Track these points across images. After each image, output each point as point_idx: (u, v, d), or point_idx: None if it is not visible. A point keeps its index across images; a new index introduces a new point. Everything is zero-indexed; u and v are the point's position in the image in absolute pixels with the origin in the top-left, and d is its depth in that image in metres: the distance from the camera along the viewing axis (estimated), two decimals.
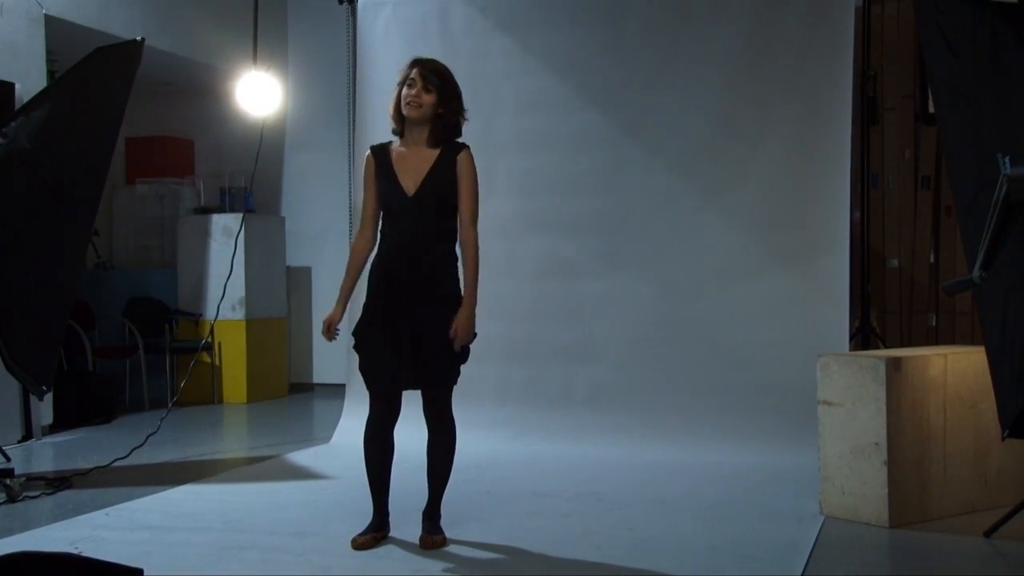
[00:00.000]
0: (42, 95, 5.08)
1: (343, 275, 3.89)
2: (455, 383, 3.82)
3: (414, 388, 3.79)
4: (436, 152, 3.78)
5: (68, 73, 5.11)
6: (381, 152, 3.85)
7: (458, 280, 3.82)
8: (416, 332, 3.69)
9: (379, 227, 3.84)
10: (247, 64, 7.05)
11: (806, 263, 5.60)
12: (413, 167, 3.76)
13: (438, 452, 3.87)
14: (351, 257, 3.86)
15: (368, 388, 3.84)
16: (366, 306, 3.79)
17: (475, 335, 3.81)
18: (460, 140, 3.85)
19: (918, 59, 6.38)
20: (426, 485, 3.93)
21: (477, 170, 3.87)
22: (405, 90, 3.74)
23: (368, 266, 3.86)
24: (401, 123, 3.81)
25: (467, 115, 3.84)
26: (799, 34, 5.67)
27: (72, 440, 6.55)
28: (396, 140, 3.88)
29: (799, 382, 4.90)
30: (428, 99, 3.72)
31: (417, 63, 3.78)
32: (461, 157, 3.78)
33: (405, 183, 3.75)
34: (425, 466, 3.93)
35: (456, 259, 3.83)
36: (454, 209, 3.80)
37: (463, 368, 3.89)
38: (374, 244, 3.87)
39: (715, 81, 5.81)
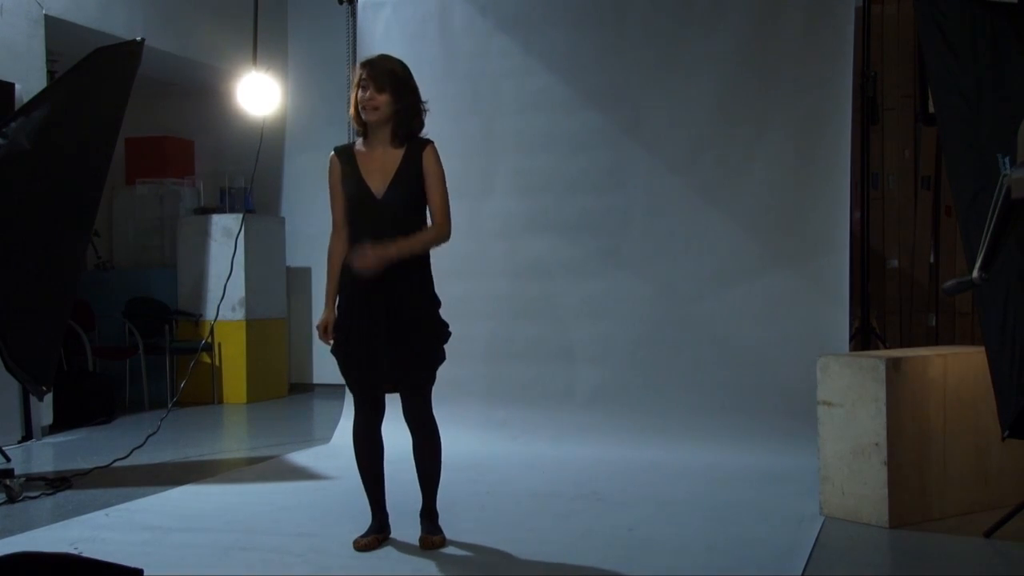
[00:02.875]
0: (42, 95, 5.08)
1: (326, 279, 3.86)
2: (432, 384, 3.81)
3: (393, 391, 3.78)
4: (401, 151, 3.74)
5: (68, 73, 5.11)
6: (345, 153, 3.81)
7: (431, 281, 3.80)
8: (392, 334, 3.67)
9: (348, 227, 3.78)
10: (247, 64, 7.06)
11: (806, 263, 5.60)
12: (379, 168, 3.73)
13: (425, 453, 3.86)
14: (330, 261, 3.81)
15: (351, 391, 3.85)
16: (341, 310, 3.77)
17: (449, 334, 3.80)
18: (424, 136, 3.81)
19: (918, 59, 6.38)
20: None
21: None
22: (360, 93, 3.70)
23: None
24: (363, 124, 3.77)
25: (427, 106, 3.79)
26: (799, 34, 5.66)
27: (72, 440, 6.55)
28: (359, 140, 3.84)
29: (799, 382, 4.90)
30: (383, 99, 3.68)
31: (366, 64, 3.73)
32: (426, 153, 3.74)
33: (372, 184, 3.71)
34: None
35: (428, 258, 3.80)
36: (423, 208, 3.77)
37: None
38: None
39: (715, 81, 5.81)
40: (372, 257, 3.60)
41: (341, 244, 3.80)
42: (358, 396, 3.83)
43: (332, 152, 3.85)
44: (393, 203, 3.70)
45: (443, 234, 3.75)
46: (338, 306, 3.78)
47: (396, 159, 3.74)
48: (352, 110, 3.78)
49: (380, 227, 3.70)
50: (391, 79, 3.69)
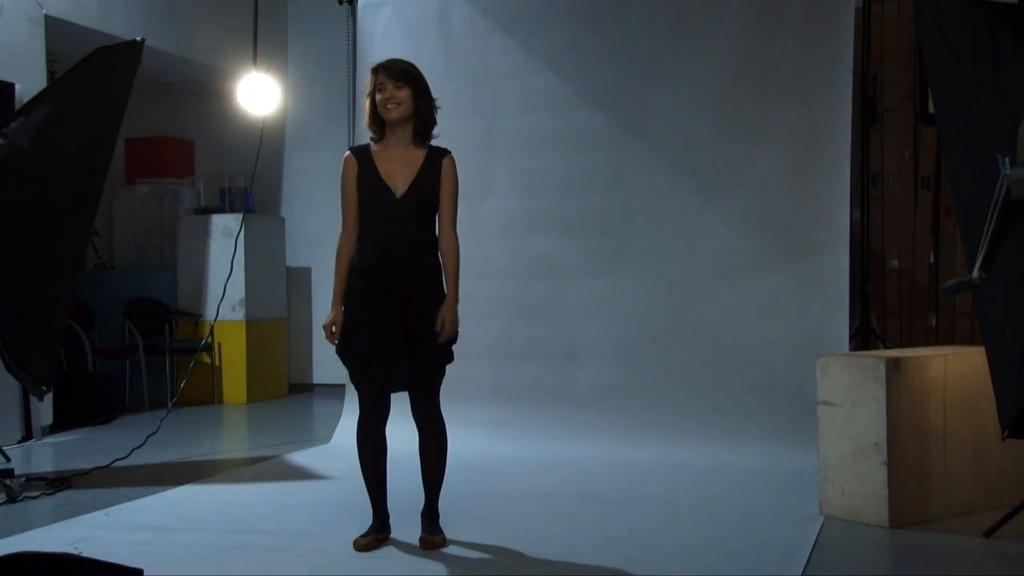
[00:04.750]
0: (42, 95, 5.08)
1: (333, 278, 3.86)
2: (441, 382, 3.83)
3: (402, 389, 3.79)
4: (422, 154, 3.79)
5: (68, 73, 5.11)
6: (362, 153, 3.85)
7: (442, 282, 3.83)
8: (405, 334, 3.68)
9: (360, 226, 3.82)
10: (247, 64, 7.06)
11: (806, 263, 5.60)
12: (399, 168, 3.77)
13: (430, 452, 3.87)
14: (339, 261, 3.82)
15: (357, 390, 3.85)
16: (349, 308, 3.77)
17: (457, 334, 3.82)
18: (443, 146, 3.86)
19: (918, 59, 6.38)
20: (422, 486, 3.93)
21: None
22: (379, 96, 3.75)
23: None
24: (380, 129, 3.82)
25: (438, 103, 3.84)
26: (799, 34, 5.66)
27: (72, 440, 6.55)
28: (372, 144, 3.87)
29: (799, 382, 4.90)
30: (404, 94, 3.73)
31: (380, 68, 3.79)
32: (446, 162, 3.81)
33: (393, 184, 3.75)
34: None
35: (438, 259, 3.83)
36: (436, 211, 3.83)
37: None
38: None
39: (715, 81, 5.81)
40: (450, 326, 3.72)
41: (350, 244, 3.82)
42: (364, 395, 3.83)
43: (348, 152, 3.89)
44: (411, 203, 3.74)
45: (455, 245, 3.83)
46: (346, 305, 3.79)
47: (417, 160, 3.78)
48: (367, 118, 3.82)
49: (396, 226, 3.74)
50: (407, 76, 3.76)
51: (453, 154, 3.86)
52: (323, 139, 8.69)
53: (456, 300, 3.79)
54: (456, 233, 3.84)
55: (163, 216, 8.88)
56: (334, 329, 3.77)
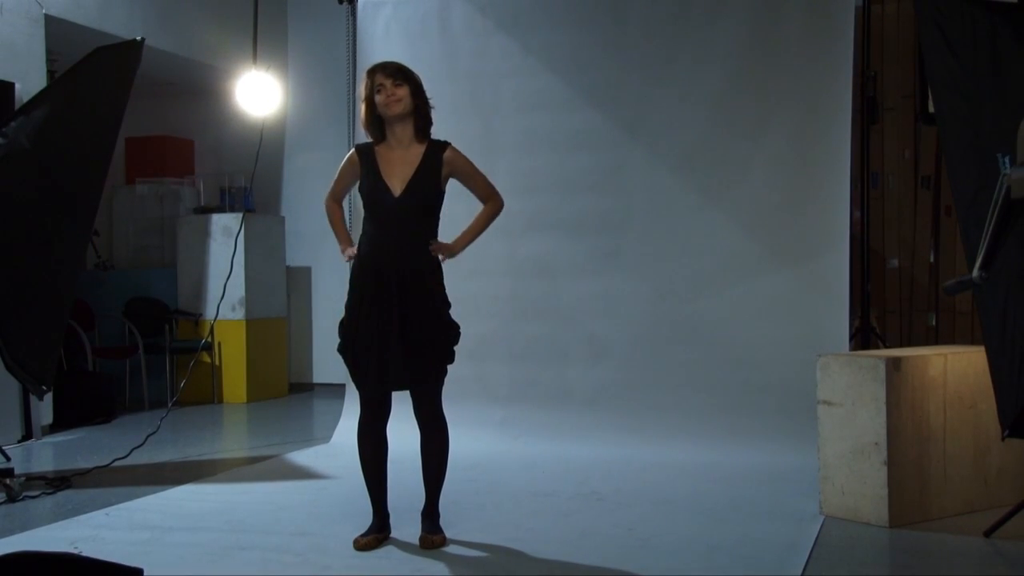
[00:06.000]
0: (42, 95, 5.08)
1: (329, 226, 4.03)
2: (443, 382, 3.84)
3: (402, 389, 3.80)
4: (421, 151, 3.82)
5: (68, 73, 5.11)
6: (367, 151, 3.87)
7: (442, 282, 3.84)
8: (405, 333, 3.70)
9: (363, 224, 3.87)
10: (247, 64, 7.05)
11: (806, 263, 5.60)
12: (399, 167, 3.79)
13: (432, 452, 3.88)
14: (331, 211, 4.01)
15: (358, 389, 3.86)
16: (351, 307, 3.79)
17: (459, 334, 3.83)
18: (441, 139, 3.88)
19: (918, 59, 6.38)
20: (423, 485, 3.93)
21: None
22: (379, 97, 3.77)
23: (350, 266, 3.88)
24: (379, 130, 3.84)
25: (433, 103, 3.87)
26: (799, 34, 5.67)
27: (72, 440, 6.55)
28: (376, 144, 3.90)
29: (799, 382, 4.90)
30: (403, 92, 3.77)
31: (376, 69, 3.82)
32: (447, 155, 3.84)
33: (392, 183, 3.77)
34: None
35: (440, 261, 3.84)
36: (436, 210, 3.85)
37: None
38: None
39: (715, 80, 5.81)
40: (443, 249, 3.81)
41: (336, 203, 4.01)
42: (365, 395, 3.84)
43: (353, 149, 3.94)
44: (409, 203, 3.76)
45: (499, 205, 3.96)
46: (348, 305, 3.81)
47: (416, 158, 3.80)
48: (364, 122, 3.85)
49: (395, 225, 3.76)
50: (404, 75, 3.80)
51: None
52: (323, 139, 8.69)
53: (467, 241, 3.90)
54: (498, 193, 3.94)
55: (163, 216, 8.88)
56: (351, 253, 3.83)
